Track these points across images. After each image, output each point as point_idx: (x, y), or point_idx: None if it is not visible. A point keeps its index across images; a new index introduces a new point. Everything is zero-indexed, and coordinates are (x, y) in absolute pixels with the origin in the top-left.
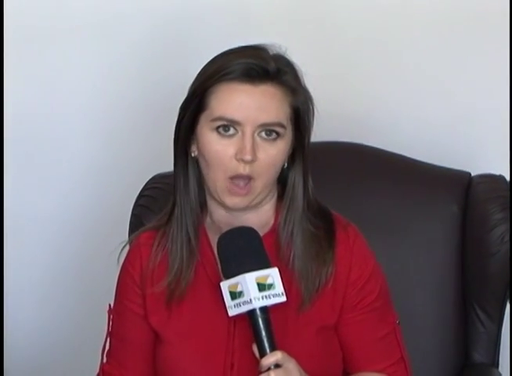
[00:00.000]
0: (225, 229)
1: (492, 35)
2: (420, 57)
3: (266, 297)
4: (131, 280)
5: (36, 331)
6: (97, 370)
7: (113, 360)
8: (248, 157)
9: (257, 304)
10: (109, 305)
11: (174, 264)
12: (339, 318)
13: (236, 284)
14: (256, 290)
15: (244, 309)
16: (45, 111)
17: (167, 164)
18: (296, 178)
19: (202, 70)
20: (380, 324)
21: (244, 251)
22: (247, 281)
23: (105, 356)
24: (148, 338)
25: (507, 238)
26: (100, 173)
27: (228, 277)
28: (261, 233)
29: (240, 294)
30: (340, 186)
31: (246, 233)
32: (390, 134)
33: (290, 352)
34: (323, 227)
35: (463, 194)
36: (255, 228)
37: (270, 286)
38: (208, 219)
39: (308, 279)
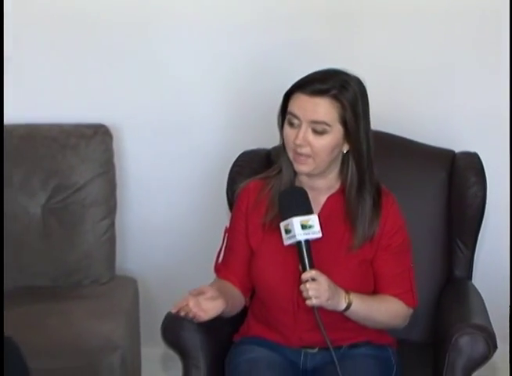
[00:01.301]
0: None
1: (483, 35)
2: (422, 61)
3: (306, 233)
4: (240, 211)
5: (171, 248)
6: (212, 268)
7: (224, 262)
8: (298, 142)
9: (300, 238)
10: (226, 227)
11: (273, 208)
12: (374, 255)
13: (288, 224)
14: (299, 228)
15: (293, 240)
16: (180, 102)
17: (252, 144)
18: (350, 159)
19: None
20: (399, 263)
21: (294, 202)
22: (294, 223)
23: (219, 259)
24: (247, 251)
25: (479, 194)
26: (213, 151)
27: (283, 220)
28: (329, 194)
29: (290, 231)
30: None
31: (297, 191)
32: (401, 122)
33: (341, 276)
34: (374, 195)
35: (450, 165)
36: (324, 190)
37: (310, 226)
38: (297, 181)
39: (360, 232)
